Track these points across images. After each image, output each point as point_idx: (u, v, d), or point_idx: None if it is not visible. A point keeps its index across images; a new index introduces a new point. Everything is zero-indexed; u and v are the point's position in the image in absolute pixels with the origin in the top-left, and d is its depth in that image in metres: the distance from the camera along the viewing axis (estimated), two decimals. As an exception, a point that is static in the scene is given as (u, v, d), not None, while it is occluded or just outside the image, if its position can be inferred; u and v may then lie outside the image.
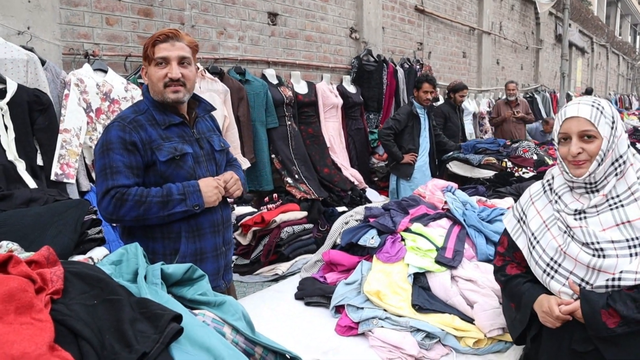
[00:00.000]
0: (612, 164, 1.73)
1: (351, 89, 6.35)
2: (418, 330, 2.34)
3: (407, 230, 2.86)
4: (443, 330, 2.34)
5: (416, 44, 8.33)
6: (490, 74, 11.20)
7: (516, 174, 5.28)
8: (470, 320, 2.41)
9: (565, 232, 1.78)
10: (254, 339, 1.33)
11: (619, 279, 1.66)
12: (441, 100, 7.53)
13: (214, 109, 2.53)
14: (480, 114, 9.60)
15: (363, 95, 6.51)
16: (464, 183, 5.24)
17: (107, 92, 3.82)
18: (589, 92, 14.44)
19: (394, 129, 5.47)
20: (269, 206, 4.52)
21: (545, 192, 1.94)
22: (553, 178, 1.92)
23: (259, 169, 5.11)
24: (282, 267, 4.02)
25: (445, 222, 2.96)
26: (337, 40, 6.53)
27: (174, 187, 2.17)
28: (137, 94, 3.91)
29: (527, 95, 12.37)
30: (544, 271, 1.81)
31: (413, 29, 8.24)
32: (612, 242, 1.69)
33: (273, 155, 5.22)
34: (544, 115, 12.31)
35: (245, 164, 4.80)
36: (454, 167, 5.89)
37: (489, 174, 5.46)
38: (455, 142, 6.34)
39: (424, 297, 2.51)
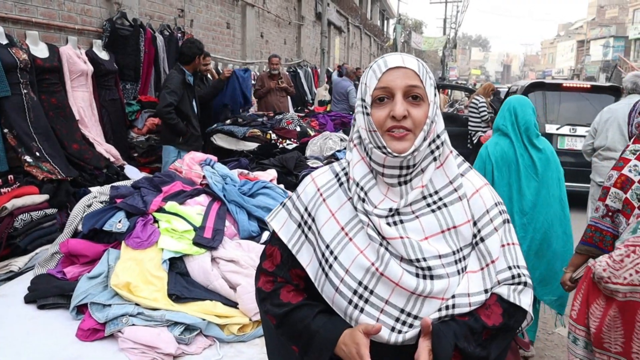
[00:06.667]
0: (431, 143, 1.30)
1: (103, 55, 5.69)
2: (176, 323, 2.13)
3: (160, 210, 2.60)
4: (204, 319, 2.16)
5: (177, 10, 7.89)
6: (255, 47, 11.28)
7: (280, 146, 5.33)
8: (234, 305, 2.28)
9: (380, 244, 1.27)
10: None
11: (453, 306, 1.26)
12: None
13: None
14: (246, 86, 9.61)
15: (118, 62, 5.88)
16: (229, 156, 5.12)
17: None
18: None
19: (174, 103, 5.16)
20: (3, 190, 3.84)
21: (341, 184, 1.38)
22: (349, 164, 1.36)
23: (-13, 147, 4.29)
24: (18, 263, 3.43)
25: (203, 199, 2.76)
26: (84, -2, 5.78)
27: None
28: None
29: (291, 70, 12.80)
30: (350, 302, 1.27)
31: (173, -6, 7.79)
32: (440, 257, 1.27)
33: (6, 130, 4.42)
34: (306, 89, 12.86)
35: (-33, 140, 3.99)
36: (219, 140, 5.77)
37: (253, 146, 5.43)
38: None
39: (182, 285, 2.31)
